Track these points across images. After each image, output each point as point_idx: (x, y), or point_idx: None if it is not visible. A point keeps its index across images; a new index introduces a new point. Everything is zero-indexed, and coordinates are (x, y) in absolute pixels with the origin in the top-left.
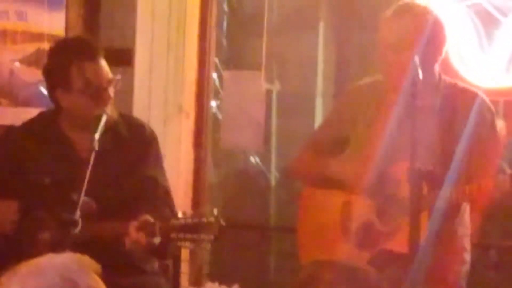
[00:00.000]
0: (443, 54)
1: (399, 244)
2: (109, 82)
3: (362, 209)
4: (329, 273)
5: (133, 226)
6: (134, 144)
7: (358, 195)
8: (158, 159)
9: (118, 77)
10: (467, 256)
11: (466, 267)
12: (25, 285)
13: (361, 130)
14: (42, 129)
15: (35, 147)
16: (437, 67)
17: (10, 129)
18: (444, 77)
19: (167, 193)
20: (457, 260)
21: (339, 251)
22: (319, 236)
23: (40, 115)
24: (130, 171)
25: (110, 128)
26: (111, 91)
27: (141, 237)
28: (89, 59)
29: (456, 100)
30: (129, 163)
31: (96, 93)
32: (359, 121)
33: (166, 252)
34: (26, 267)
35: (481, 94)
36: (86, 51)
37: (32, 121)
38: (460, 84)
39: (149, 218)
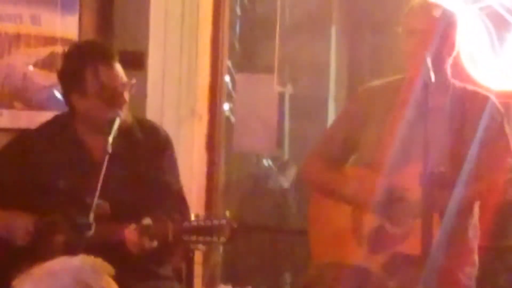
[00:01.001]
0: (453, 55)
1: (411, 246)
2: (124, 86)
3: (371, 213)
4: (334, 273)
5: (135, 230)
6: (148, 148)
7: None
8: (172, 163)
9: (133, 81)
10: (476, 258)
11: (475, 269)
12: None
13: (371, 132)
14: (57, 132)
15: (50, 150)
16: (448, 70)
17: (25, 132)
18: (453, 80)
19: (180, 198)
20: (468, 262)
21: (352, 256)
22: (331, 241)
23: (55, 118)
24: (144, 175)
25: (125, 131)
26: (126, 95)
27: (145, 241)
28: (104, 63)
29: (466, 102)
30: (143, 167)
31: (111, 97)
32: (370, 123)
33: (175, 255)
34: (39, 270)
35: (491, 96)
36: (101, 55)
37: (47, 124)
38: (470, 87)
39: (149, 221)
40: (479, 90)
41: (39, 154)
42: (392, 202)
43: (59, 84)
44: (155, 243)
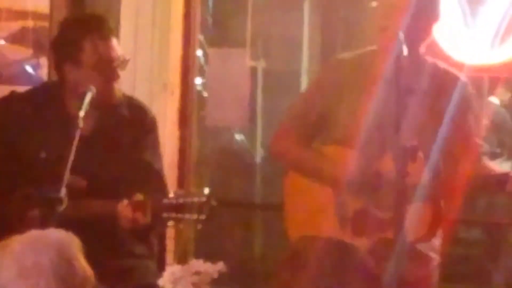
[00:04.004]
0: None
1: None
2: (120, 61)
3: (353, 195)
4: (316, 247)
5: (128, 205)
6: (134, 127)
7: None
8: (155, 144)
9: (128, 58)
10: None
11: (439, 240)
12: (23, 262)
13: (347, 108)
14: (45, 101)
15: (35, 117)
16: (423, 47)
17: (12, 94)
18: (426, 56)
19: (160, 179)
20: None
21: (334, 235)
22: (311, 218)
23: (44, 86)
24: (126, 153)
25: (112, 108)
26: (119, 70)
27: (139, 216)
28: (103, 35)
29: (439, 80)
30: (127, 145)
31: (106, 70)
32: (344, 98)
33: (153, 233)
34: (18, 244)
35: (461, 76)
36: (100, 27)
37: (34, 91)
38: (441, 64)
39: (141, 197)
40: (450, 68)
41: (23, 119)
42: (377, 186)
43: (51, 52)
44: (149, 219)
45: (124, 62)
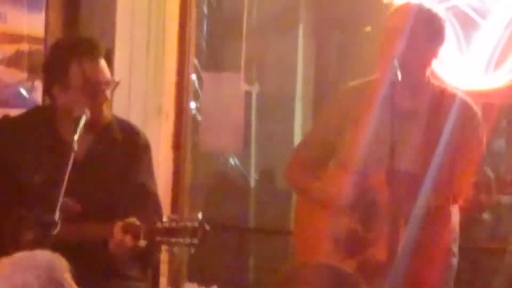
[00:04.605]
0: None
1: (382, 251)
2: (108, 83)
3: (346, 216)
4: (308, 272)
5: (118, 227)
6: (127, 150)
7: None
8: (149, 167)
9: (117, 79)
10: (454, 261)
11: (452, 272)
12: (12, 283)
13: (348, 134)
14: (38, 124)
15: (28, 141)
16: (428, 71)
17: (4, 118)
18: (433, 80)
19: (155, 202)
20: (443, 265)
21: (328, 259)
22: (312, 243)
23: (36, 110)
24: (120, 176)
25: (104, 130)
26: (108, 92)
27: (127, 240)
28: (90, 58)
29: (444, 105)
30: (120, 168)
31: (94, 92)
32: (347, 124)
33: (150, 257)
34: (8, 265)
35: (469, 100)
36: (88, 50)
37: (27, 115)
38: (449, 89)
39: (135, 220)
40: (458, 93)
41: (17, 144)
42: (364, 206)
43: (42, 75)
44: (140, 242)
45: (114, 84)
